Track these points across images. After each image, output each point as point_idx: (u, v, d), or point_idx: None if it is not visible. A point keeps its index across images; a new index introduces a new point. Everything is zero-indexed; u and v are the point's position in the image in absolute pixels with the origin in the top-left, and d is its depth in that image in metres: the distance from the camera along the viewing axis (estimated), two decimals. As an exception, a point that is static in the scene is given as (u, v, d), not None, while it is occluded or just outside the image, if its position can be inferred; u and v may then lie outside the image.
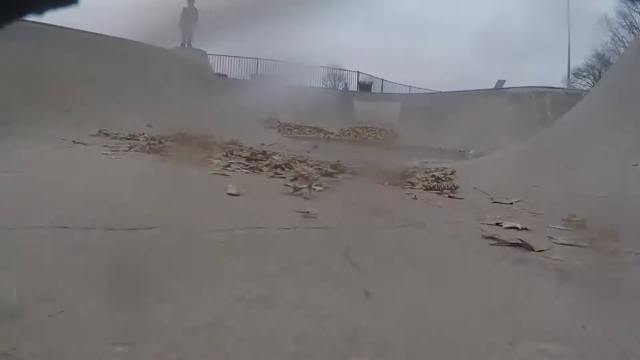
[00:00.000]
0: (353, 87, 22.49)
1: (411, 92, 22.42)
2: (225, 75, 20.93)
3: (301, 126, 16.79)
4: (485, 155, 7.17)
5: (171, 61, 10.57)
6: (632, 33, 21.75)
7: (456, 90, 15.43)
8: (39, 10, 0.53)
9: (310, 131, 16.73)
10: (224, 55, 21.47)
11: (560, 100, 12.76)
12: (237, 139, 6.04)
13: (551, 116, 12.50)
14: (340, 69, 22.66)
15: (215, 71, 19.97)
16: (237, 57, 21.76)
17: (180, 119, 6.24)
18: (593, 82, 20.93)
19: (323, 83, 22.22)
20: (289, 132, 15.54)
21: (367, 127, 17.09)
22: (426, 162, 6.05)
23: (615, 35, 22.57)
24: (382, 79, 23.75)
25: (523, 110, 12.92)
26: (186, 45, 14.33)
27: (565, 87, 17.93)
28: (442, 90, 16.24)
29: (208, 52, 20.53)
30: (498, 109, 13.34)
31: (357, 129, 17.07)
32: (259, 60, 22.11)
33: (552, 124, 11.11)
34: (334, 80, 22.71)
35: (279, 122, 16.22)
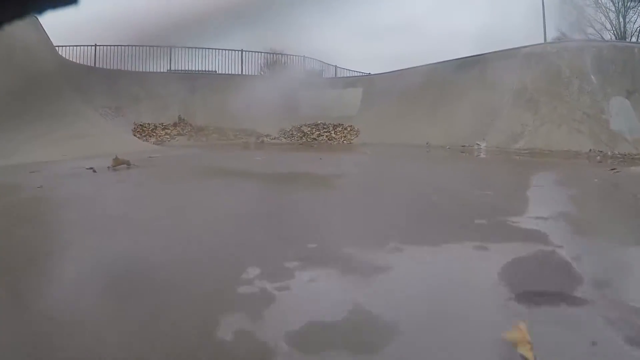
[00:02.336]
0: (300, 75, 17.48)
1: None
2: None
3: (208, 127, 11.83)
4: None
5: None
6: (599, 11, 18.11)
7: (441, 60, 10.67)
8: (39, 10, 0.51)
9: (235, 135, 11.70)
10: (132, 46, 16.01)
11: (605, 57, 8.20)
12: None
13: (596, 81, 7.94)
14: (282, 54, 17.68)
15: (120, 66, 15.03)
16: (150, 46, 16.34)
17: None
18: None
19: (261, 71, 17.17)
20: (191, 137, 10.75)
21: (317, 124, 12.15)
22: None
23: (580, 14, 18.71)
24: (336, 66, 18.96)
25: (550, 76, 8.30)
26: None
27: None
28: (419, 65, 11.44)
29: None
30: (510, 78, 8.67)
31: (303, 128, 12.13)
32: (172, 49, 16.86)
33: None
34: (275, 68, 17.68)
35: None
